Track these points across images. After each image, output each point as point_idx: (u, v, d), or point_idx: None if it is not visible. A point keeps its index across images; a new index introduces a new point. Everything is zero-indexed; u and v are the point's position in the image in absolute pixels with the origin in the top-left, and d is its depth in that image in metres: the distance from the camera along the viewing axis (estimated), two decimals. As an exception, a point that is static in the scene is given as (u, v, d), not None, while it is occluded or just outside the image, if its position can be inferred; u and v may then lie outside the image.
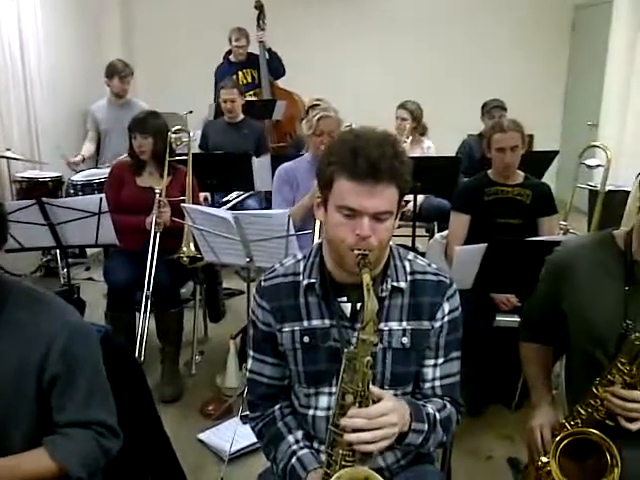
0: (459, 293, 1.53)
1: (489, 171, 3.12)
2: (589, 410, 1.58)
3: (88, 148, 4.96)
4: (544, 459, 1.64)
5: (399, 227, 4.44)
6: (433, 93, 5.57)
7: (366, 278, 1.30)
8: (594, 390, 1.57)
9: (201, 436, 2.72)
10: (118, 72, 4.83)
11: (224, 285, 3.87)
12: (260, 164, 4.04)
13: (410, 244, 4.22)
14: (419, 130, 4.67)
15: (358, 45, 6.88)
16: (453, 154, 4.52)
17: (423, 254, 3.28)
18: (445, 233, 3.22)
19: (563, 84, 7.18)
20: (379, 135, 1.38)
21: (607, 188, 3.52)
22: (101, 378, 1.47)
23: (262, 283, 1.54)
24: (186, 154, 3.35)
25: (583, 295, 1.70)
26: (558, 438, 1.57)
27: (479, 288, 2.56)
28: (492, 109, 4.60)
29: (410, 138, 4.52)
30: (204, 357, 3.45)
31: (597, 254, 1.73)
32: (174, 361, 3.19)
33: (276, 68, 5.65)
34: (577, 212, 4.84)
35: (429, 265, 1.54)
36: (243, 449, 2.55)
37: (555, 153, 4.31)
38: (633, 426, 1.49)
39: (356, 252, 1.34)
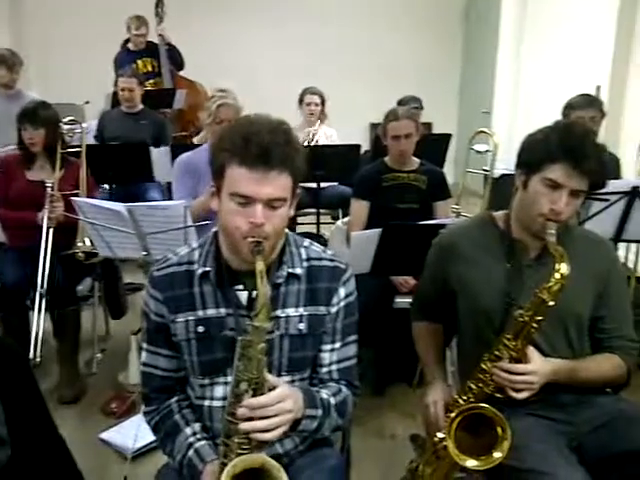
0: (359, 277, 1.56)
1: (386, 158, 3.19)
2: (479, 385, 1.64)
3: None
4: (440, 435, 1.69)
5: (304, 215, 4.52)
6: (333, 81, 5.61)
7: (259, 265, 1.30)
8: (483, 365, 1.63)
9: (103, 435, 2.65)
10: (5, 62, 4.55)
11: (126, 280, 3.76)
12: (159, 154, 3.94)
13: (315, 231, 4.27)
14: (322, 116, 4.72)
15: (261, 33, 6.84)
16: (355, 142, 4.58)
17: (327, 241, 3.33)
18: (347, 219, 3.27)
19: (458, 73, 7.44)
20: (272, 122, 1.37)
21: (500, 172, 3.68)
22: None
23: (154, 273, 1.51)
24: (80, 146, 3.22)
25: (468, 274, 1.78)
26: (452, 414, 1.63)
27: (377, 271, 2.62)
28: (405, 104, 4.69)
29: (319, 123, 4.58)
30: (106, 355, 3.35)
31: (479, 235, 1.82)
32: (73, 361, 3.07)
33: (176, 59, 5.53)
34: (475, 196, 5.07)
35: (324, 251, 1.56)
36: (147, 445, 2.49)
37: (448, 136, 4.46)
38: (519, 395, 1.57)
39: (250, 240, 1.33)
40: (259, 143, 1.30)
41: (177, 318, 1.47)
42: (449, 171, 4.38)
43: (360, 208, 3.15)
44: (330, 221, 4.55)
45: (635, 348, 1.77)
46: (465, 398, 1.68)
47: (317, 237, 4.16)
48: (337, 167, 3.95)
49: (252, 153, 1.30)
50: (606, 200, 2.45)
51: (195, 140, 4.43)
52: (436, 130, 5.40)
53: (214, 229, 1.51)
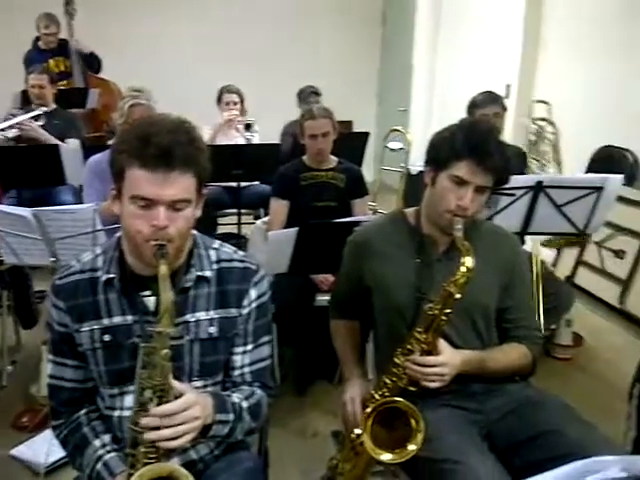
0: (278, 277, 1.54)
1: (304, 157, 3.20)
2: (394, 379, 1.67)
3: None
4: (357, 431, 1.70)
5: (225, 215, 4.46)
6: (252, 78, 5.58)
7: (163, 269, 1.27)
8: (396, 360, 1.66)
9: (14, 452, 2.52)
10: None
11: (38, 288, 3.59)
12: (70, 155, 3.79)
13: (236, 231, 4.24)
14: (242, 114, 4.67)
15: (177, 30, 6.70)
16: (274, 137, 4.57)
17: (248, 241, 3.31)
18: (266, 219, 3.26)
19: (377, 73, 7.54)
20: (173, 121, 1.34)
21: (417, 169, 3.76)
22: None
23: (56, 282, 1.45)
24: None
25: (381, 270, 1.81)
26: (368, 410, 1.64)
27: (295, 271, 2.62)
28: (308, 96, 4.71)
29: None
30: (17, 367, 3.19)
31: (391, 231, 1.85)
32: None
33: (93, 64, 5.36)
34: (393, 193, 5.16)
35: (235, 252, 1.54)
36: (60, 460, 2.39)
37: (366, 134, 4.52)
38: (431, 384, 1.60)
39: (152, 243, 1.29)
40: (159, 143, 1.26)
41: (82, 327, 1.42)
42: (368, 169, 4.44)
43: (279, 207, 3.15)
44: (252, 221, 4.51)
45: (539, 337, 1.86)
46: (381, 393, 1.70)
47: (238, 237, 4.13)
48: (257, 166, 3.92)
49: (151, 154, 1.26)
50: (512, 195, 2.55)
51: (111, 142, 4.29)
52: (356, 129, 5.45)
53: (118, 234, 1.47)
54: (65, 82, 5.23)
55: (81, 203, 3.46)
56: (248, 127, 4.44)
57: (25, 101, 4.53)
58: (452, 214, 1.68)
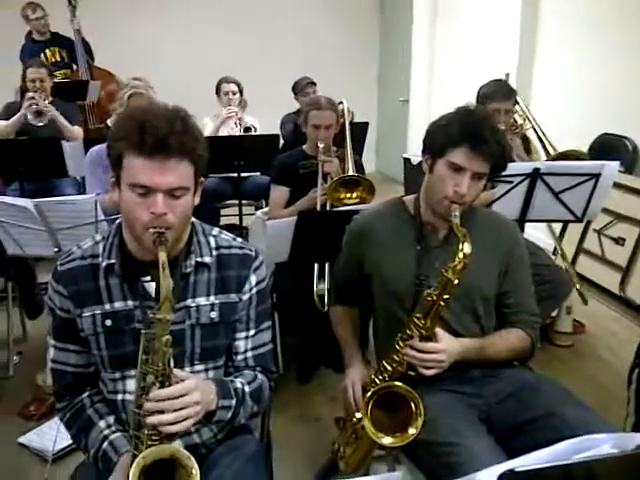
0: (280, 266, 1.56)
1: (304, 146, 3.21)
2: (393, 365, 1.69)
3: None
4: (358, 415, 1.73)
5: (226, 207, 4.48)
6: (251, 70, 5.58)
7: (162, 256, 1.29)
8: (396, 345, 1.68)
9: (22, 439, 2.57)
10: None
11: (42, 280, 3.62)
12: (72, 148, 3.81)
13: (238, 222, 4.26)
14: (242, 105, 4.68)
15: (179, 22, 6.69)
16: (273, 131, 4.58)
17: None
18: (266, 209, 3.27)
19: (377, 63, 7.53)
20: (169, 110, 1.36)
21: (417, 159, 3.76)
22: None
23: (58, 268, 1.47)
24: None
25: (381, 257, 1.83)
26: (369, 394, 1.67)
27: (295, 260, 2.64)
28: (304, 87, 4.72)
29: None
30: (23, 357, 3.23)
31: (390, 218, 1.88)
32: (-14, 365, 2.97)
33: (89, 52, 5.37)
34: (397, 183, 5.18)
35: (234, 239, 1.56)
36: (67, 447, 2.43)
37: (366, 124, 4.52)
38: (429, 372, 1.63)
39: (152, 230, 1.32)
40: (155, 132, 1.28)
41: (83, 313, 1.44)
42: (369, 159, 4.45)
43: (279, 194, 3.15)
44: (252, 212, 4.53)
45: (537, 322, 1.87)
46: (381, 378, 1.72)
47: (240, 228, 4.15)
48: (257, 157, 3.94)
49: (149, 142, 1.28)
50: (510, 182, 2.57)
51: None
52: (357, 118, 5.46)
53: (118, 221, 1.49)
54: (62, 72, 5.24)
55: (83, 194, 3.51)
56: (247, 130, 4.43)
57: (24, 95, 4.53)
58: (449, 201, 1.69)
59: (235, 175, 4.08)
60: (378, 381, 1.73)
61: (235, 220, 4.34)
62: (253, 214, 4.46)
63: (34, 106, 4.05)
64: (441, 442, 1.55)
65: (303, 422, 2.74)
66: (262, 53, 6.74)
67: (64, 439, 2.36)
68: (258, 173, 4.38)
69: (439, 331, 1.66)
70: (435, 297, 1.63)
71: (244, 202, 4.28)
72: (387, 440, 1.64)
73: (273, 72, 6.37)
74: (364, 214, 1.99)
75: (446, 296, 1.63)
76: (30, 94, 4.10)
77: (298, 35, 6.98)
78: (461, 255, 1.60)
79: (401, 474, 0.88)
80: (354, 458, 1.80)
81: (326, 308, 2.78)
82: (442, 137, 1.72)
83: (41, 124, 4.07)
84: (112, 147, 1.36)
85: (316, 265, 2.79)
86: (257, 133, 4.51)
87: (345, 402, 1.83)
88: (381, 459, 1.88)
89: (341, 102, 3.28)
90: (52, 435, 2.41)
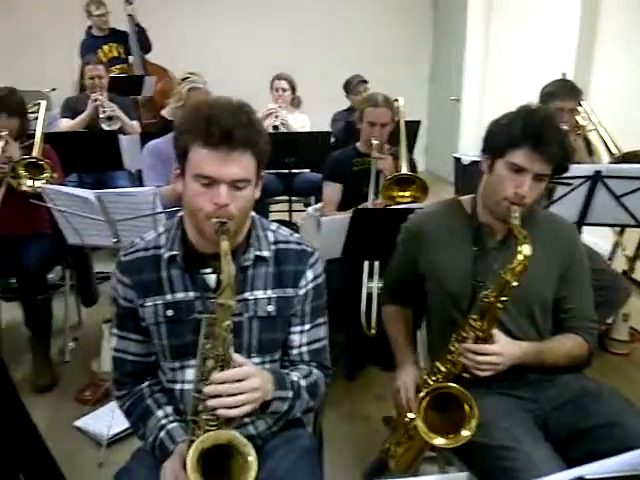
0: (330, 262, 1.57)
1: (357, 144, 3.21)
2: (447, 366, 1.67)
3: None
4: (410, 415, 1.72)
5: (276, 203, 4.52)
6: (304, 67, 5.60)
7: (224, 245, 1.32)
8: (450, 347, 1.66)
9: (77, 423, 2.64)
10: None
11: (97, 269, 3.73)
12: (129, 142, 3.91)
13: (287, 219, 4.29)
14: (295, 103, 4.71)
15: (232, 18, 6.79)
16: (325, 128, 4.59)
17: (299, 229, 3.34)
18: (318, 206, 3.28)
19: (428, 61, 7.46)
20: (234, 104, 1.39)
21: (470, 159, 3.72)
22: None
23: (122, 258, 1.52)
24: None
25: (436, 257, 1.81)
26: (422, 394, 1.65)
27: (347, 256, 2.63)
28: (356, 85, 4.71)
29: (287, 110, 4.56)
30: (78, 343, 3.33)
31: (446, 219, 1.85)
32: (45, 349, 3.06)
33: (144, 43, 5.46)
34: (446, 183, 5.12)
35: (291, 234, 1.58)
36: (122, 432, 2.49)
37: (417, 123, 4.49)
38: (483, 374, 1.61)
39: (214, 220, 1.34)
40: (222, 124, 1.31)
41: (145, 302, 1.48)
42: (418, 158, 4.40)
43: (332, 189, 3.16)
44: (302, 209, 4.56)
45: (596, 328, 1.82)
46: (434, 379, 1.70)
47: (290, 225, 4.17)
48: (308, 154, 3.96)
49: (215, 134, 1.31)
50: (569, 184, 2.51)
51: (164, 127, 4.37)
52: (406, 117, 5.42)
53: (180, 214, 1.52)
54: (118, 67, 5.37)
55: (137, 187, 3.59)
56: (275, 129, 4.43)
57: (83, 90, 4.66)
58: (509, 202, 1.67)
59: (286, 172, 4.11)
60: (431, 382, 1.71)
61: (283, 216, 4.37)
62: (302, 211, 4.50)
63: (101, 109, 4.18)
64: (497, 446, 1.53)
65: (352, 419, 2.75)
66: (313, 50, 6.77)
67: (119, 424, 2.43)
68: (308, 170, 4.39)
69: (496, 333, 1.63)
70: (492, 299, 1.60)
71: (293, 198, 4.30)
72: (440, 441, 1.61)
73: (324, 69, 6.39)
74: (420, 213, 1.97)
75: (504, 298, 1.60)
76: (94, 96, 4.21)
77: (350, 32, 6.99)
78: (521, 257, 1.57)
79: (468, 475, 0.87)
80: (405, 458, 1.78)
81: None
82: (503, 137, 1.68)
83: (114, 128, 4.19)
84: (179, 139, 1.39)
85: (366, 263, 2.79)
86: (307, 130, 4.53)
87: (397, 403, 1.82)
88: (432, 460, 1.86)
89: (396, 100, 3.27)
90: (107, 420, 2.47)
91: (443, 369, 1.69)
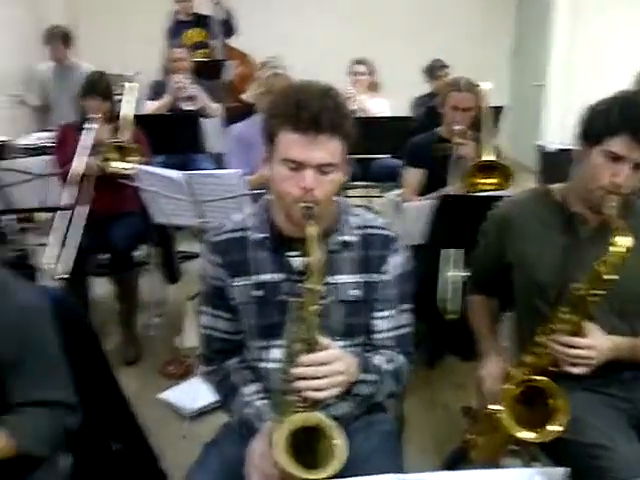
0: (413, 249, 1.56)
1: (439, 128, 3.16)
2: (534, 359, 1.63)
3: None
4: (494, 406, 1.67)
5: (353, 188, 4.51)
6: (382, 52, 5.55)
7: (312, 230, 1.33)
8: (537, 339, 1.62)
9: (162, 395, 2.75)
10: (62, 37, 4.70)
11: (179, 249, 3.86)
12: (212, 125, 3.99)
13: (364, 204, 4.27)
14: (373, 87, 4.68)
15: (313, 3, 6.78)
16: (403, 113, 4.53)
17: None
18: (399, 191, 3.26)
19: (511, 45, 7.23)
20: (321, 88, 1.39)
21: (555, 147, 3.60)
22: (55, 358, 1.46)
23: (212, 238, 1.55)
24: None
25: (524, 247, 1.76)
26: (508, 385, 1.62)
27: (431, 243, 2.60)
28: (437, 70, 4.63)
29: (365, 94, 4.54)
30: (162, 319, 3.45)
31: (536, 207, 1.79)
32: (132, 323, 3.21)
33: (231, 27, 5.54)
34: (527, 171, 4.97)
35: (376, 219, 1.58)
36: (205, 407, 2.57)
37: (500, 109, 4.37)
38: (576, 370, 1.55)
39: (301, 204, 1.36)
40: (310, 109, 1.32)
41: (234, 282, 1.51)
42: (502, 145, 4.28)
43: (413, 175, 3.12)
44: (379, 194, 4.53)
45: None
46: (521, 371, 1.65)
47: (367, 210, 4.15)
48: (387, 139, 3.92)
49: (303, 119, 1.32)
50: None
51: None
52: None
53: (266, 197, 1.54)
54: (201, 52, 5.45)
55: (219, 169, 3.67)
56: (352, 112, 4.39)
57: (168, 74, 4.78)
58: (605, 191, 1.60)
59: (364, 157, 4.08)
60: (517, 374, 1.66)
61: (359, 202, 4.36)
62: (379, 196, 4.48)
63: (183, 90, 4.26)
64: (589, 444, 1.49)
65: (431, 407, 2.75)
66: (392, 35, 6.67)
67: (202, 399, 2.51)
68: (389, 156, 4.35)
69: (589, 325, 1.57)
70: (583, 292, 1.54)
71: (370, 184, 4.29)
72: (527, 435, 1.57)
73: (404, 54, 6.30)
74: (507, 201, 1.92)
75: (597, 292, 1.53)
76: (177, 77, 4.30)
77: (429, 16, 6.85)
78: (617, 248, 1.50)
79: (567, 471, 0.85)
80: (487, 449, 1.75)
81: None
82: (600, 124, 1.60)
83: (193, 108, 4.26)
84: (267, 124, 1.41)
85: (450, 251, 2.75)
86: (385, 114, 4.49)
87: (481, 392, 1.79)
88: (515, 454, 1.83)
89: (478, 85, 3.19)
90: (190, 395, 2.56)
91: (529, 362, 1.64)
